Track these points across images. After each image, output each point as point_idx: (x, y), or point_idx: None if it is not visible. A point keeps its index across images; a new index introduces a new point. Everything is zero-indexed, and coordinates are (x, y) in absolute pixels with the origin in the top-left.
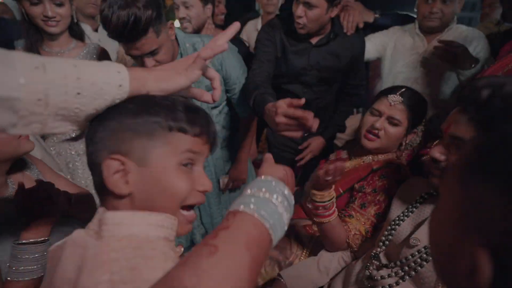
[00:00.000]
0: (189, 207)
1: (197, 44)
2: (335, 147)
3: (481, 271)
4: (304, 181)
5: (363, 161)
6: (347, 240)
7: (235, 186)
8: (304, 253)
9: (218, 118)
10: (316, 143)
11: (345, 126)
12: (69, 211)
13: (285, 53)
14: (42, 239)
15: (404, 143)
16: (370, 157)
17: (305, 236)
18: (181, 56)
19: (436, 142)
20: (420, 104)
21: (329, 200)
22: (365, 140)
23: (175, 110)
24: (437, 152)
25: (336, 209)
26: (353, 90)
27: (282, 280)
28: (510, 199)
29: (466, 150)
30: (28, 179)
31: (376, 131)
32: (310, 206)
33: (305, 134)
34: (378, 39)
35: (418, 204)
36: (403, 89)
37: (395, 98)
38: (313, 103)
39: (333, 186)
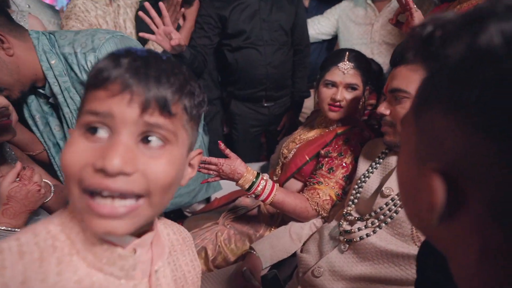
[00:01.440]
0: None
1: (70, 58)
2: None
3: (435, 194)
4: (270, 154)
5: (328, 129)
6: (316, 208)
7: None
8: (274, 225)
9: None
10: (290, 119)
11: (308, 91)
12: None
13: (234, 12)
14: (16, 229)
15: (362, 102)
16: (335, 125)
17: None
18: (44, 76)
19: None
20: (366, 62)
21: (251, 186)
22: (330, 112)
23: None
24: (381, 107)
25: (273, 188)
26: (300, 44)
27: (254, 252)
28: (453, 118)
29: (417, 89)
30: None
31: (338, 103)
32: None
33: None
34: (331, 14)
35: (381, 160)
36: (347, 52)
37: (346, 65)
38: (277, 54)
39: (245, 171)
